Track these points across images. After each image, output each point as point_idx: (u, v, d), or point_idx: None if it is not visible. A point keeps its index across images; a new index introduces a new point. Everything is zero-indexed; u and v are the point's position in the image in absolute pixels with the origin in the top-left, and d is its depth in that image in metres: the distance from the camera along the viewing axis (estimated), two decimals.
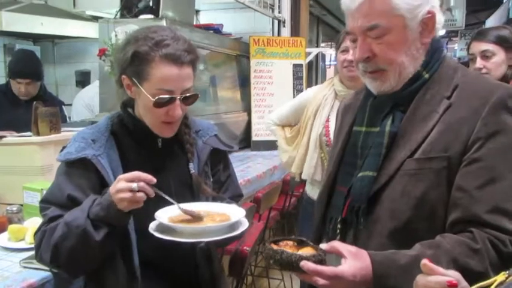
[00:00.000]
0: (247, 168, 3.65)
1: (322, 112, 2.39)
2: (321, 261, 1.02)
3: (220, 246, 1.66)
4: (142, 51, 1.28)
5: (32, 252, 1.48)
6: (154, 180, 1.20)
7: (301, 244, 1.11)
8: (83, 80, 4.86)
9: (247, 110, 4.63)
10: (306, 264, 1.00)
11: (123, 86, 1.36)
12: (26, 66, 3.36)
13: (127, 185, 1.18)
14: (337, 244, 1.05)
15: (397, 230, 1.09)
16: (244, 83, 4.71)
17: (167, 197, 1.25)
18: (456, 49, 16.95)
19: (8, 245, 1.80)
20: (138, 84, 1.31)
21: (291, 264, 1.02)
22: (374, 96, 1.22)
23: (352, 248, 1.04)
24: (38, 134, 2.28)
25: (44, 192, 1.43)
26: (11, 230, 1.84)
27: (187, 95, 1.33)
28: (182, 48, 1.30)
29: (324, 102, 2.39)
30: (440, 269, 0.84)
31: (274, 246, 1.08)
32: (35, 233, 1.34)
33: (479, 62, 2.18)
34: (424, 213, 1.08)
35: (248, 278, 3.14)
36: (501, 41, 2.15)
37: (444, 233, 1.07)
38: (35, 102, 2.36)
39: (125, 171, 1.33)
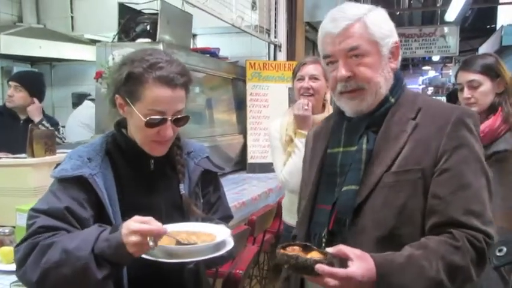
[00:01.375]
0: (243, 190, 3.65)
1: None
2: (332, 264, 1.09)
3: (210, 267, 1.65)
4: (137, 72, 1.31)
5: None
6: (166, 232, 1.18)
7: (306, 249, 1.16)
8: (79, 102, 4.87)
9: (243, 132, 4.65)
10: (320, 267, 1.07)
11: (116, 106, 1.38)
12: (21, 72, 3.63)
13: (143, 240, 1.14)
14: (343, 247, 1.13)
15: (384, 238, 1.20)
16: (240, 105, 4.74)
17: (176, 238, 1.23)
18: (451, 75, 17.13)
19: None
20: (130, 104, 1.33)
21: (306, 268, 1.09)
22: (347, 120, 1.35)
23: (357, 251, 1.12)
24: (32, 155, 2.28)
25: None
26: (2, 252, 1.83)
27: (179, 116, 1.35)
28: (176, 71, 1.32)
29: (289, 128, 2.47)
30: None
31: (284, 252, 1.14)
32: (18, 244, 1.25)
33: (466, 92, 2.17)
34: (405, 220, 1.21)
35: None
36: (487, 70, 2.15)
37: (423, 236, 1.20)
38: (30, 125, 2.37)
39: (119, 191, 1.35)
